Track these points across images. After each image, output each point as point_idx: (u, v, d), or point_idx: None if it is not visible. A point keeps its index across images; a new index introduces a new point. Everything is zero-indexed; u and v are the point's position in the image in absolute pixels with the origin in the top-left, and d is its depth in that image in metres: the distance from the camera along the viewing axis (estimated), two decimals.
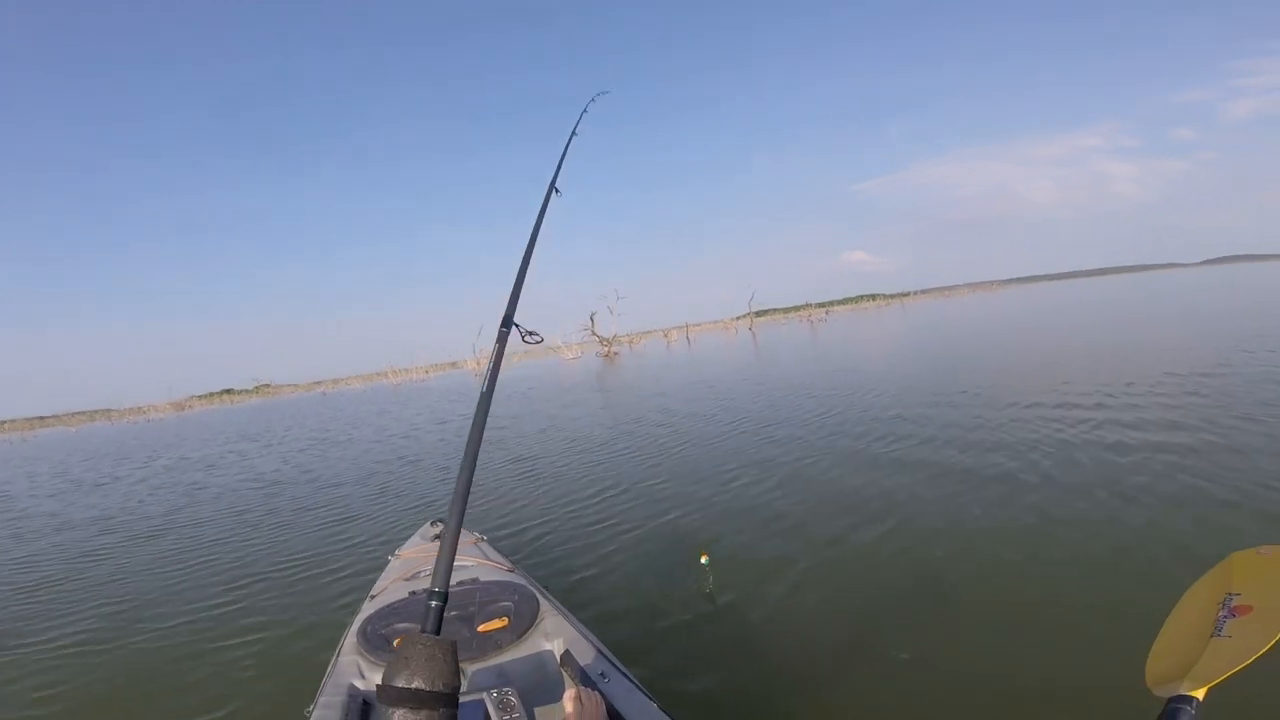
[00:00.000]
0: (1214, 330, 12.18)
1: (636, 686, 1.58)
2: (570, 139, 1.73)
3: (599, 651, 1.76)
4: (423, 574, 2.37)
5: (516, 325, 1.25)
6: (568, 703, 1.23)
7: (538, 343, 1.29)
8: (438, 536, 2.78)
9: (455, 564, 2.16)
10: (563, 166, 1.60)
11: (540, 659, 1.77)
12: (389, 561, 2.72)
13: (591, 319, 37.88)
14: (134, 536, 6.53)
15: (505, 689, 1.40)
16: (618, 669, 1.67)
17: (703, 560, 3.41)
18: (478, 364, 40.49)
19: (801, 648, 2.67)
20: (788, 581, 3.26)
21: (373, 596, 2.31)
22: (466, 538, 2.73)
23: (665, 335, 52.77)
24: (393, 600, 2.12)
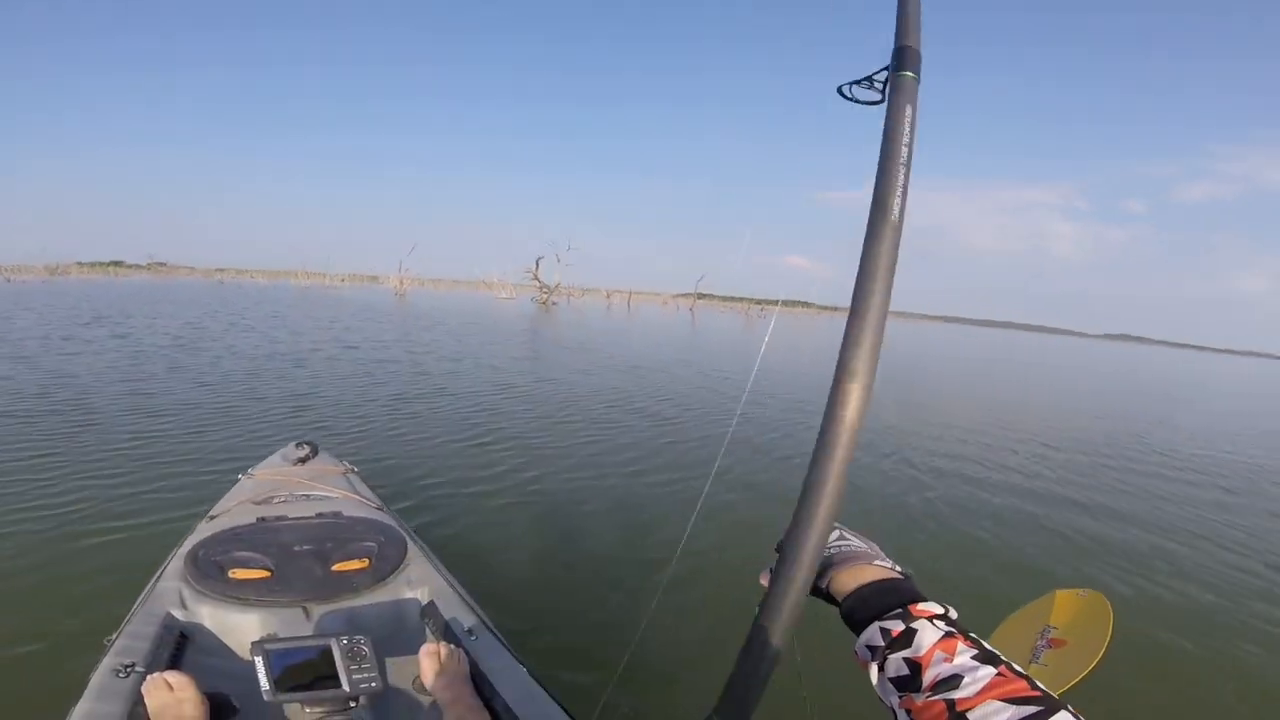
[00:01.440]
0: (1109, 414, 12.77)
1: (504, 646, 1.46)
2: None
3: (467, 604, 1.63)
4: (277, 499, 2.13)
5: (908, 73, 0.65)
6: (426, 657, 1.19)
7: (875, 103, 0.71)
8: (302, 459, 2.52)
9: (317, 493, 2.06)
10: None
11: (400, 607, 1.62)
12: (239, 480, 2.38)
13: (536, 263, 35.85)
14: None
15: (357, 636, 1.24)
16: (486, 626, 1.54)
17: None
18: (400, 282, 37.49)
19: (683, 617, 2.63)
20: (678, 552, 3.21)
21: (211, 518, 2.03)
22: (334, 467, 2.51)
23: (607, 296, 51.17)
24: (236, 524, 1.88)
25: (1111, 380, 21.53)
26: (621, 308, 41.64)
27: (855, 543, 0.63)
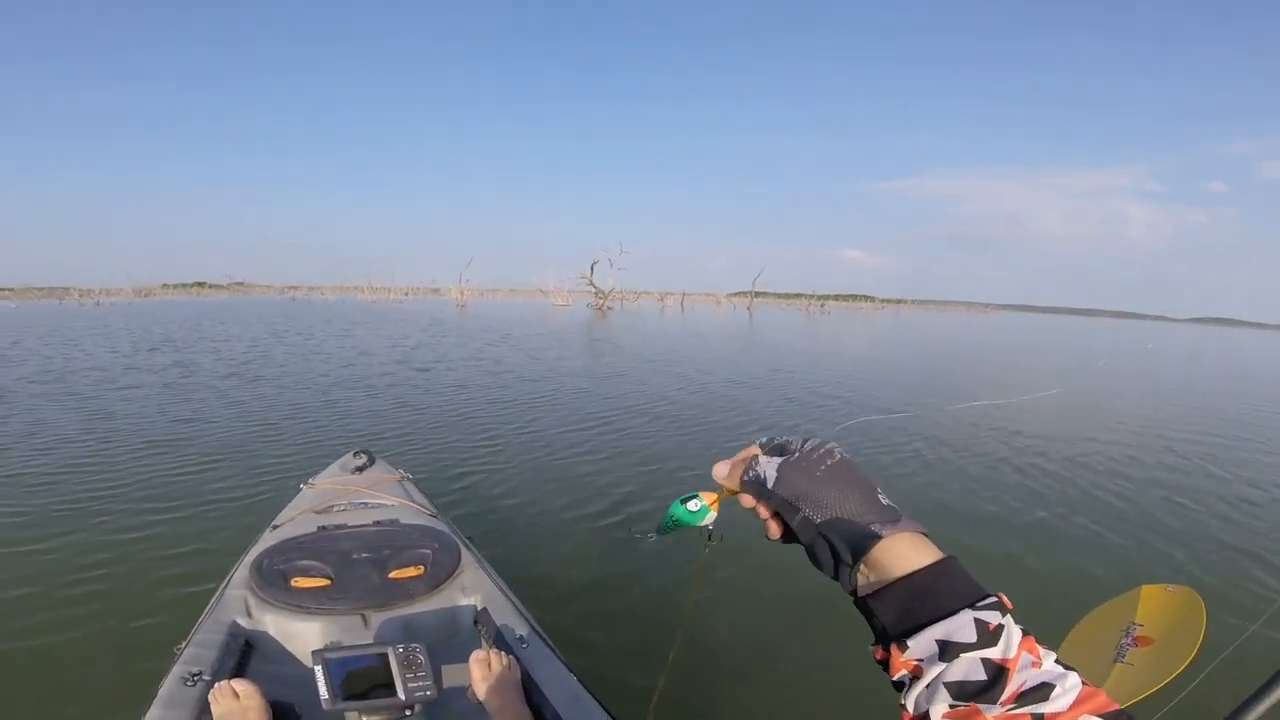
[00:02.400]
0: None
1: (554, 653, 1.48)
2: None
3: (519, 612, 1.64)
4: (336, 508, 2.16)
5: None
6: (477, 664, 1.20)
7: None
8: (359, 468, 2.59)
9: (374, 501, 2.22)
10: None
11: (455, 614, 1.65)
12: (300, 490, 2.43)
13: (591, 268, 35.73)
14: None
15: (413, 645, 1.27)
16: (537, 634, 1.55)
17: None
18: (461, 293, 38.24)
19: (738, 637, 2.58)
20: (729, 571, 3.09)
21: (275, 527, 2.09)
22: (390, 475, 2.57)
23: (661, 299, 50.70)
24: (298, 533, 1.91)
25: (1203, 364, 19.81)
26: (675, 310, 41.16)
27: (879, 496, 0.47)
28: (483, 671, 1.19)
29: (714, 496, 0.53)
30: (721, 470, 0.51)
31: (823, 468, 0.47)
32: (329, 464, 2.75)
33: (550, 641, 1.55)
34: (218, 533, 3.34)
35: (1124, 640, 0.90)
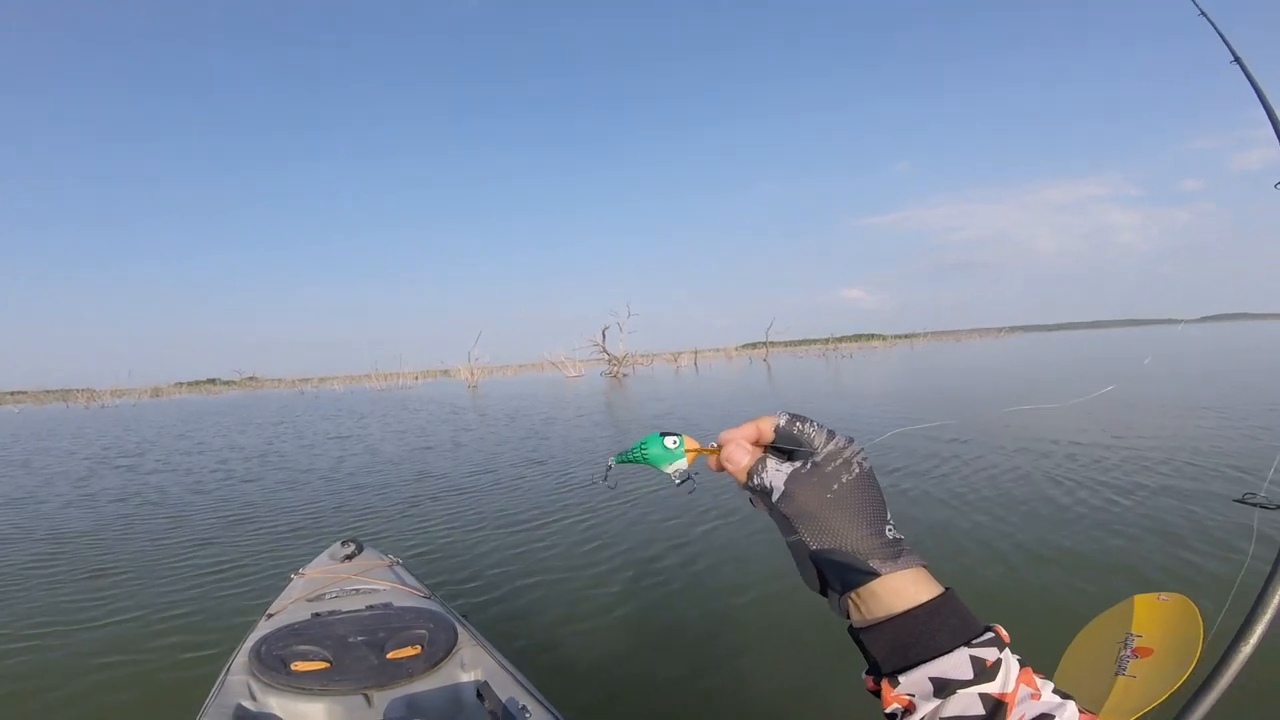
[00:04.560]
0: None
1: None
2: None
3: (521, 684, 1.66)
4: (328, 595, 2.21)
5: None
6: None
7: None
8: (348, 556, 2.61)
9: (366, 587, 2.27)
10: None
11: (457, 690, 1.67)
12: (291, 580, 2.45)
13: (603, 334, 35.09)
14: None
15: None
16: (541, 703, 1.57)
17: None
18: (471, 373, 37.47)
19: (744, 687, 2.57)
20: (733, 624, 3.12)
21: (270, 615, 2.11)
22: (379, 560, 2.60)
23: (674, 359, 49.77)
24: (293, 621, 1.95)
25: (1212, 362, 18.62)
26: (690, 369, 40.23)
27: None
28: None
29: (697, 447, 0.49)
30: (730, 441, 0.46)
31: (836, 485, 0.44)
32: (318, 554, 2.77)
33: (555, 711, 1.56)
34: (213, 623, 3.46)
35: (1123, 652, 0.90)
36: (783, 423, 0.46)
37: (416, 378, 50.42)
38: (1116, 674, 0.87)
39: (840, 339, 69.08)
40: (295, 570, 2.55)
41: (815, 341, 76.20)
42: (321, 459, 9.77)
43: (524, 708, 1.51)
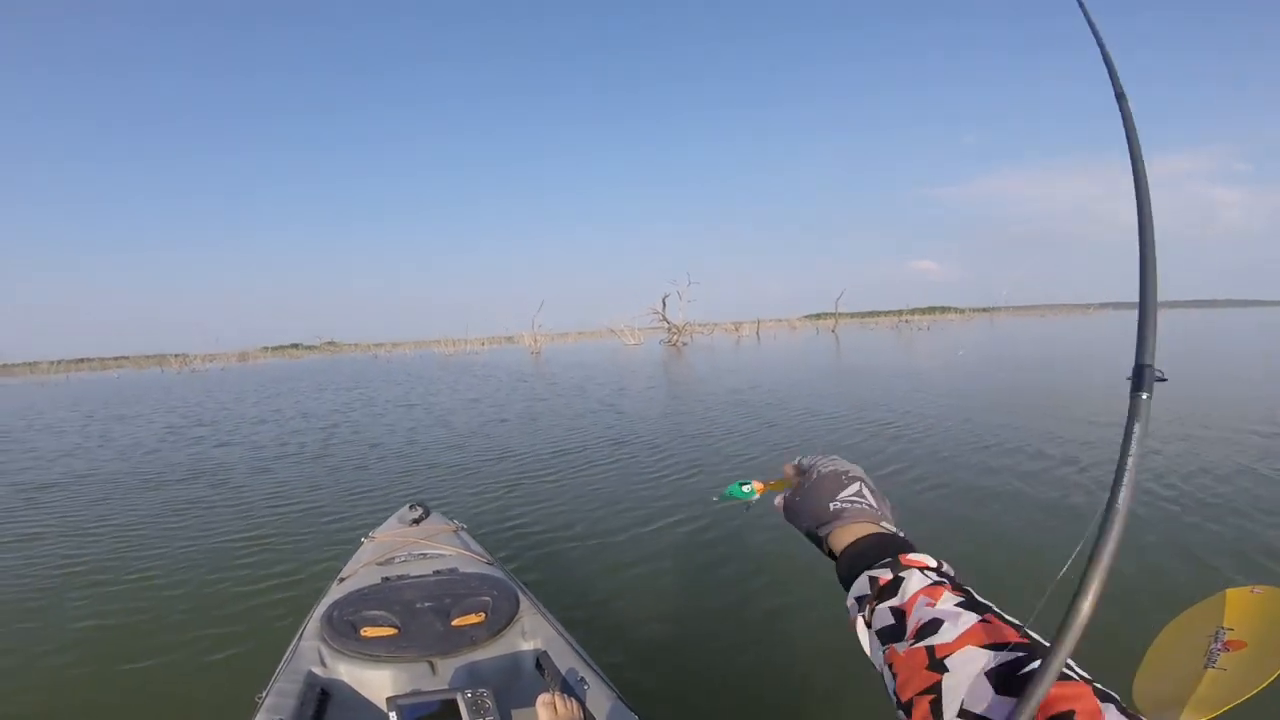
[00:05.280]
0: None
1: (617, 695, 1.50)
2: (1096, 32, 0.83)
3: (579, 655, 1.68)
4: (398, 559, 2.25)
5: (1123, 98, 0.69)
6: (543, 707, 1.22)
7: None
8: (416, 520, 2.65)
9: (433, 551, 2.31)
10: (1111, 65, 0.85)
11: (516, 659, 1.70)
12: (361, 544, 2.51)
13: (663, 302, 34.66)
14: (77, 501, 6.04)
15: (481, 690, 1.36)
16: (598, 675, 1.59)
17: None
18: (534, 340, 38.01)
19: (807, 668, 2.55)
20: (791, 601, 3.09)
21: (341, 580, 2.17)
22: (446, 525, 2.63)
23: (735, 329, 48.81)
24: (363, 585, 1.98)
25: None
26: (752, 340, 39.34)
27: (869, 500, 0.62)
28: (549, 715, 1.20)
29: (763, 485, 0.76)
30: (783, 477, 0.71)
31: (802, 490, 0.65)
32: (387, 517, 2.79)
33: (612, 683, 1.57)
34: (289, 585, 3.53)
35: (1214, 645, 0.89)
36: (795, 462, 0.71)
37: (483, 344, 51.66)
38: (1206, 667, 0.86)
39: (912, 311, 65.82)
40: (365, 534, 2.58)
41: (886, 314, 72.98)
42: (392, 426, 9.82)
43: (581, 679, 1.53)
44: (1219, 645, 0.89)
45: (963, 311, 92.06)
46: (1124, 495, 0.44)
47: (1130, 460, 0.46)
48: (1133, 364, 0.47)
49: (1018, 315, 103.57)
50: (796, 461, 0.69)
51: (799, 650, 2.68)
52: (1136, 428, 0.46)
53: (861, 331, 48.34)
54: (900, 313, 63.96)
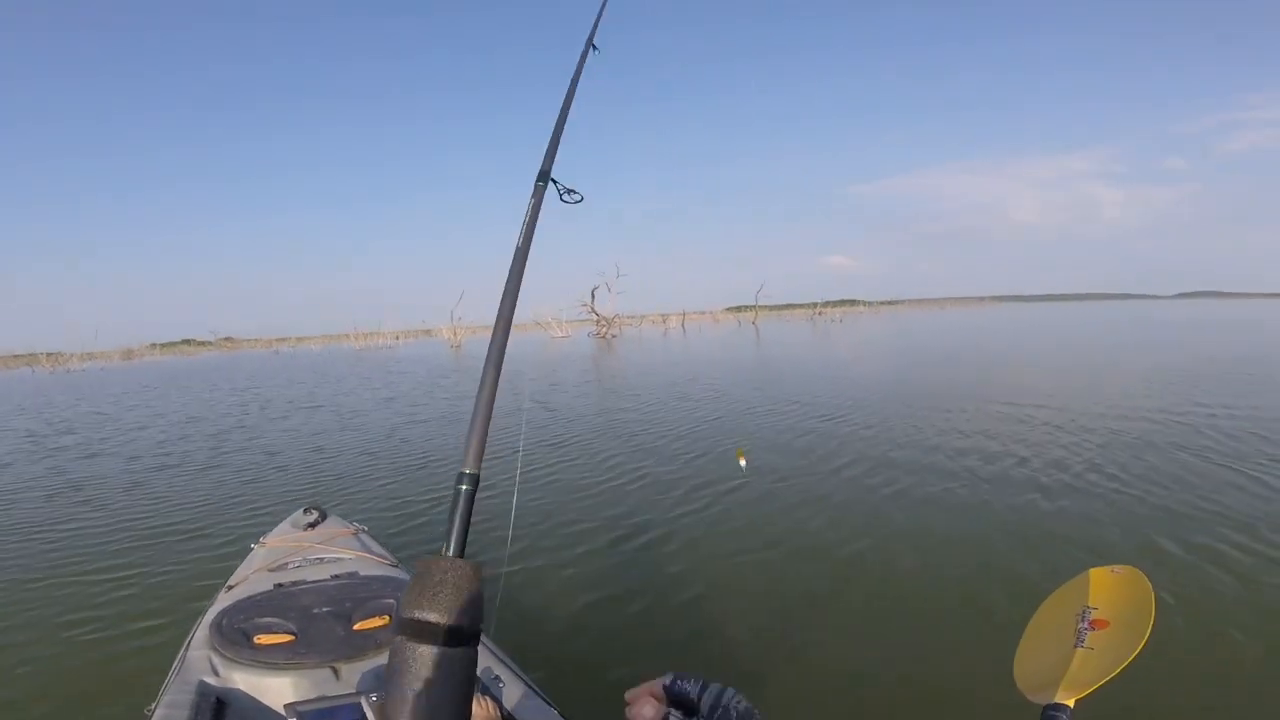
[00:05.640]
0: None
1: (535, 691, 1.51)
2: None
3: (493, 654, 1.64)
4: (290, 565, 2.14)
5: (554, 180, 1.07)
6: None
7: (577, 201, 1.10)
8: (311, 524, 2.52)
9: (330, 555, 2.20)
10: (602, 17, 1.31)
11: None
12: (251, 550, 2.36)
13: (592, 294, 34.12)
14: None
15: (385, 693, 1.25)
16: (514, 672, 1.58)
17: (741, 462, 4.38)
18: (454, 333, 36.49)
19: (712, 645, 2.69)
20: (702, 582, 3.27)
21: (230, 587, 2.05)
22: (344, 528, 2.53)
23: (663, 321, 48.98)
24: (254, 592, 1.90)
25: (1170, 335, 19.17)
26: (678, 331, 39.60)
27: None
28: None
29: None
30: (636, 700, 0.54)
31: None
32: (279, 522, 2.68)
33: (529, 679, 1.57)
34: (172, 595, 3.39)
35: (1081, 625, 0.92)
36: (668, 683, 0.55)
37: (397, 337, 48.99)
38: (1075, 646, 0.89)
39: (825, 304, 68.50)
40: (255, 540, 2.44)
41: (801, 306, 75.71)
42: (294, 431, 9.04)
43: (497, 677, 1.51)
44: (1086, 624, 0.93)
45: (871, 304, 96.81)
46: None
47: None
48: None
49: (921, 308, 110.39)
50: (666, 677, 0.55)
51: (720, 637, 2.75)
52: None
53: (780, 323, 49.91)
54: (814, 305, 66.44)
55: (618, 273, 35.52)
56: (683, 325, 47.49)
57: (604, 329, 33.53)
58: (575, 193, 1.09)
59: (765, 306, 56.51)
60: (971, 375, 11.50)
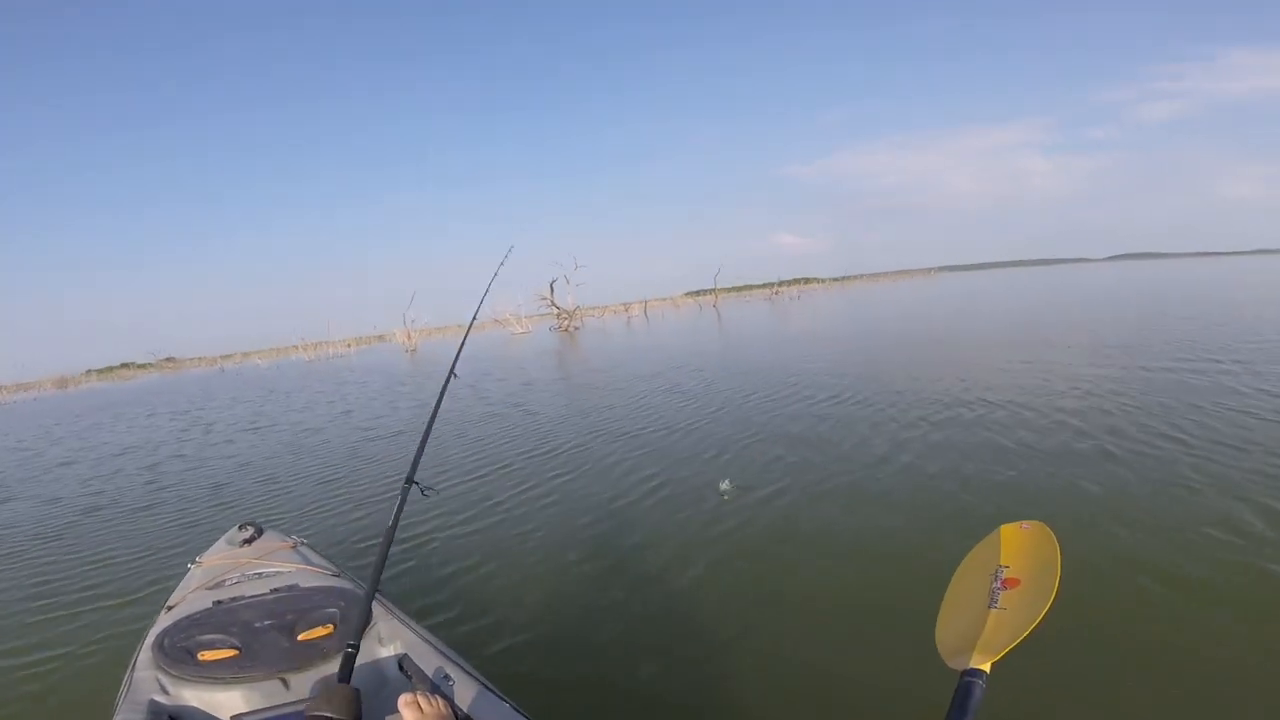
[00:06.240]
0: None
1: (487, 687, 1.51)
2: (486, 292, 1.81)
3: (442, 654, 1.65)
4: (228, 582, 2.15)
5: (416, 483, 1.79)
6: (405, 707, 1.20)
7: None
8: (248, 540, 2.50)
9: (268, 570, 2.20)
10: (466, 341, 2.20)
11: (377, 666, 1.67)
12: (188, 570, 2.36)
13: (551, 287, 33.40)
14: None
15: None
16: (465, 671, 1.58)
17: (723, 487, 4.08)
18: (409, 336, 35.28)
19: (657, 638, 2.65)
20: (648, 574, 3.23)
21: (170, 607, 2.04)
22: (282, 542, 2.50)
23: (626, 310, 48.43)
24: (194, 611, 1.90)
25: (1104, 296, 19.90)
26: (641, 320, 39.26)
27: None
28: (413, 713, 1.17)
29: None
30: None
31: None
32: (215, 540, 2.64)
33: (482, 676, 1.57)
34: (112, 621, 3.33)
35: (994, 585, 0.90)
36: None
37: (349, 345, 47.07)
38: (989, 607, 0.86)
39: (782, 283, 69.13)
40: (192, 559, 2.43)
41: (759, 286, 76.30)
42: (239, 458, 8.29)
43: (448, 677, 1.51)
44: (999, 584, 0.90)
45: (824, 281, 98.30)
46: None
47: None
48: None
49: (873, 282, 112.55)
50: None
51: (674, 630, 2.71)
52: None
53: (741, 304, 50.07)
54: (771, 285, 66.98)
55: (575, 264, 34.97)
56: (645, 313, 47.16)
57: (566, 322, 32.90)
58: (432, 489, 1.64)
59: (724, 289, 56.71)
60: (970, 345, 11.51)
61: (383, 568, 1.71)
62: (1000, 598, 0.88)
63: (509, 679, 1.93)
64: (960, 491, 3.85)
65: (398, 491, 1.90)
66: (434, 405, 2.27)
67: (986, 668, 0.76)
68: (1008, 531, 1.00)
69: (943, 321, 16.74)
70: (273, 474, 6.64)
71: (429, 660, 1.59)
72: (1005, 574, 0.91)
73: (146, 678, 1.58)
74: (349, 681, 1.40)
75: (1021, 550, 0.95)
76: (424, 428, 2.10)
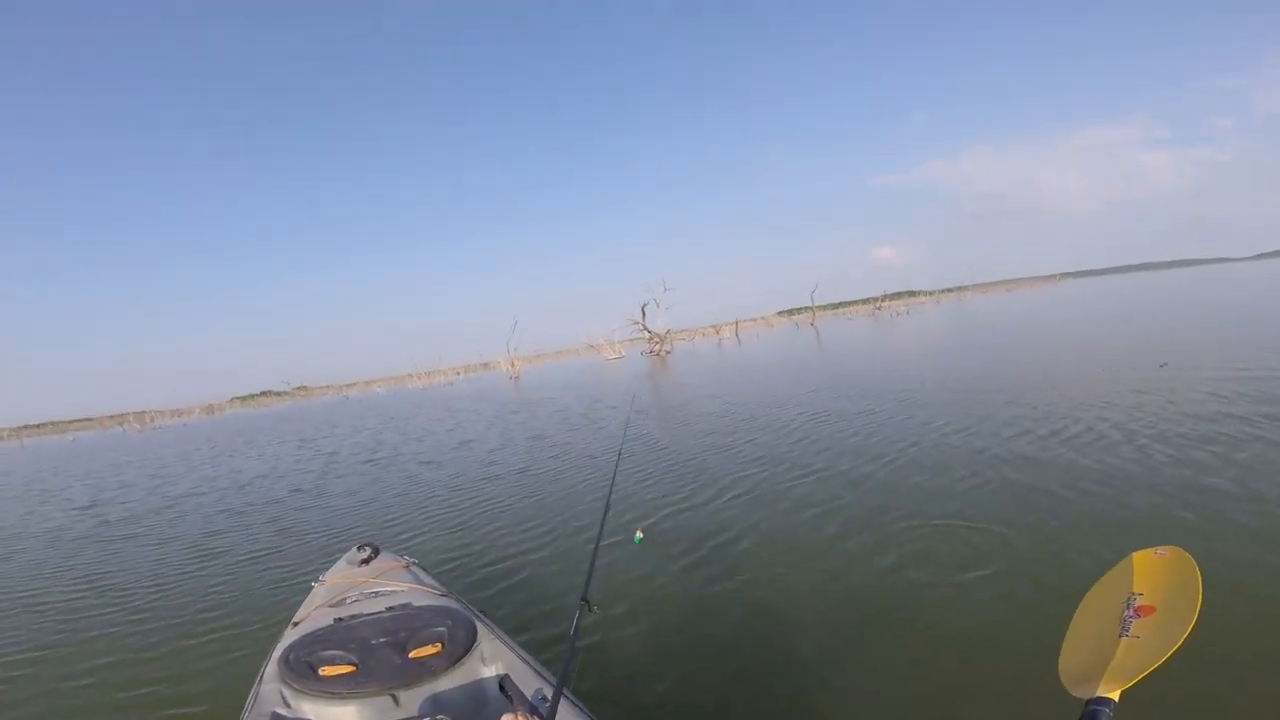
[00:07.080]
0: None
1: (583, 711, 1.53)
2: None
3: (542, 676, 1.70)
4: (349, 600, 2.26)
5: (585, 601, 1.71)
6: None
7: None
8: (365, 560, 2.67)
9: (384, 589, 2.31)
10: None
11: (479, 685, 1.72)
12: (312, 588, 2.53)
13: (642, 311, 33.60)
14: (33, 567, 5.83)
15: (441, 717, 1.37)
16: (564, 695, 1.52)
17: (638, 537, 3.87)
18: (512, 364, 36.62)
19: (753, 663, 2.56)
20: (741, 607, 3.09)
21: (295, 624, 2.19)
22: (396, 562, 2.65)
23: (716, 332, 47.92)
24: (317, 627, 2.00)
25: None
26: (733, 342, 38.51)
27: None
28: None
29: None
30: None
31: None
32: (336, 560, 2.81)
33: (579, 702, 1.57)
34: (243, 636, 3.49)
35: (1126, 613, 0.88)
36: None
37: (458, 373, 49.93)
38: (1120, 636, 0.84)
39: (884, 297, 65.82)
40: (315, 578, 2.57)
41: (860, 302, 73.11)
42: (351, 480, 8.74)
43: (545, 698, 1.52)
44: (1131, 612, 0.87)
45: (932, 294, 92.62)
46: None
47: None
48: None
49: (986, 293, 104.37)
50: None
51: (790, 657, 2.59)
52: None
53: (840, 322, 47.89)
54: (873, 300, 63.93)
55: (664, 287, 34.96)
56: (736, 334, 46.31)
57: (658, 345, 32.87)
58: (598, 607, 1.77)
59: (824, 306, 54.72)
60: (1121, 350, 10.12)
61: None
62: (1132, 626, 0.85)
63: (605, 702, 1.94)
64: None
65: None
66: (598, 529, 2.18)
67: (1115, 696, 0.74)
68: (1141, 559, 0.98)
69: (1110, 330, 14.89)
70: (397, 497, 6.93)
71: (529, 681, 1.63)
72: (1138, 601, 0.90)
73: (271, 690, 1.68)
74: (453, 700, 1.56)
75: (1156, 577, 0.92)
76: (593, 545, 2.00)
